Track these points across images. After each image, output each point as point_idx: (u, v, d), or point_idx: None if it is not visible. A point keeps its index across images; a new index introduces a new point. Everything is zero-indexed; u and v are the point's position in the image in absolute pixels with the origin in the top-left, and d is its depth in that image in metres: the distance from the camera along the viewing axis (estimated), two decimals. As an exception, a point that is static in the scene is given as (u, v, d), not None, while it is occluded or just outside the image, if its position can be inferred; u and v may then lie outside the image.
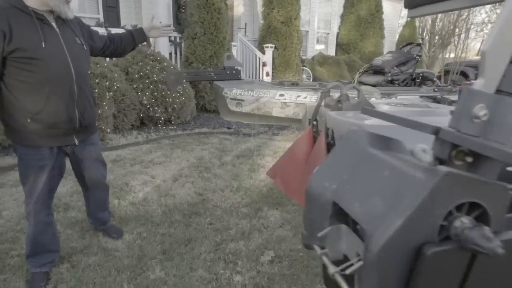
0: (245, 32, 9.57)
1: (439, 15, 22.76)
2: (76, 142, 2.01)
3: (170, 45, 7.40)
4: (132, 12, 8.18)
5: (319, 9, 11.57)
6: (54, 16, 1.80)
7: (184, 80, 2.79)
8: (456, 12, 24.00)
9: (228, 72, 2.94)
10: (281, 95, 2.77)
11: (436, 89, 3.07)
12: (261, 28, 8.54)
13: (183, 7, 8.55)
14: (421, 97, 2.21)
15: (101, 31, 6.30)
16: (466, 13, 23.05)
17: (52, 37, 1.77)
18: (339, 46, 11.98)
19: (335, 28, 11.86)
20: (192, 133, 5.56)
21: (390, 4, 12.91)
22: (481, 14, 22.28)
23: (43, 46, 1.71)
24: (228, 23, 6.94)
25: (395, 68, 3.15)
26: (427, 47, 19.81)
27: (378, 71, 3.29)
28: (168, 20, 8.39)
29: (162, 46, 7.13)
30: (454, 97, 2.77)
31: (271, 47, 7.97)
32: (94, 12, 7.78)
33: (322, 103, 1.72)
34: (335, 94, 2.83)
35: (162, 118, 5.67)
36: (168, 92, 5.70)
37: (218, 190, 3.56)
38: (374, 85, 3.15)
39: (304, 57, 9.43)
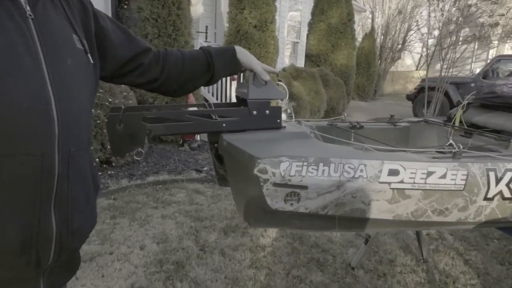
0: (206, 38, 7.82)
1: (391, 29, 22.88)
2: None
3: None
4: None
5: (289, 14, 10.17)
6: None
7: (152, 133, 1.05)
8: (406, 26, 24.32)
9: (256, 112, 1.27)
10: (394, 172, 1.11)
11: None
12: (228, 33, 6.85)
13: (126, 2, 6.62)
14: None
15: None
16: (414, 27, 23.43)
17: (14, 30, 0.70)
18: (307, 57, 10.66)
19: (304, 37, 10.54)
20: (145, 183, 3.68)
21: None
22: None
23: None
24: (191, 22, 5.18)
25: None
26: (378, 61, 19.50)
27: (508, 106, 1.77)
28: (106, 17, 6.42)
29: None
30: None
31: (242, 56, 6.31)
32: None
33: None
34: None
35: (97, 159, 3.74)
36: (107, 120, 3.80)
37: (210, 335, 1.81)
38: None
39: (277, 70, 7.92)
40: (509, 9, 17.80)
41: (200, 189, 3.69)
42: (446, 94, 9.44)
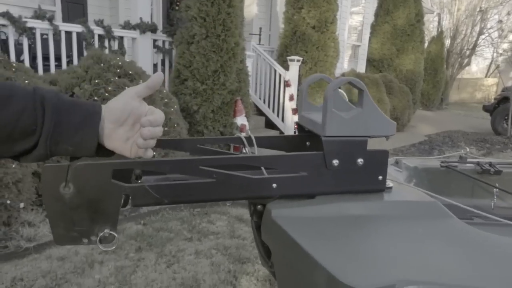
0: (259, 40, 7.32)
1: (460, 32, 21.06)
2: None
3: (155, 52, 5.10)
4: (105, 6, 5.90)
5: (350, 15, 9.39)
6: None
7: (133, 203, 0.43)
8: (477, 30, 22.31)
9: (337, 163, 0.62)
10: None
11: None
12: (283, 35, 6.29)
13: (178, 2, 6.30)
14: None
15: (42, 25, 4.01)
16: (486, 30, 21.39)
17: None
18: (369, 62, 9.77)
19: (366, 40, 9.67)
20: (181, 205, 3.20)
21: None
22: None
23: None
24: (242, 22, 4.68)
25: None
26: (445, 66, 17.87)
27: None
28: (156, 18, 6.13)
29: (143, 53, 4.83)
30: None
31: (298, 60, 5.73)
32: (48, 3, 5.47)
33: None
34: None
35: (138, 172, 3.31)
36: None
37: None
38: None
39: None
40: None
41: (245, 216, 3.12)
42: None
